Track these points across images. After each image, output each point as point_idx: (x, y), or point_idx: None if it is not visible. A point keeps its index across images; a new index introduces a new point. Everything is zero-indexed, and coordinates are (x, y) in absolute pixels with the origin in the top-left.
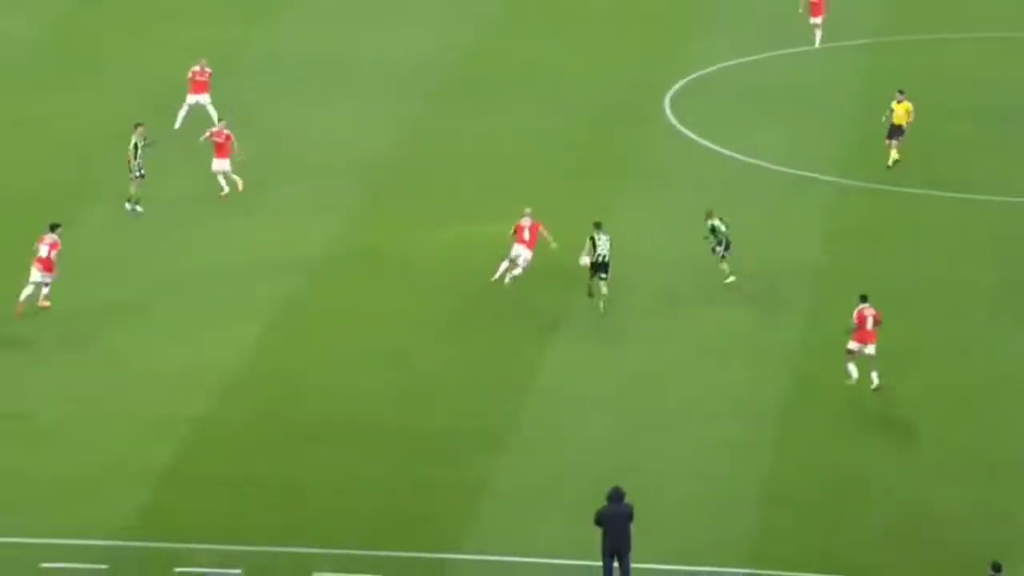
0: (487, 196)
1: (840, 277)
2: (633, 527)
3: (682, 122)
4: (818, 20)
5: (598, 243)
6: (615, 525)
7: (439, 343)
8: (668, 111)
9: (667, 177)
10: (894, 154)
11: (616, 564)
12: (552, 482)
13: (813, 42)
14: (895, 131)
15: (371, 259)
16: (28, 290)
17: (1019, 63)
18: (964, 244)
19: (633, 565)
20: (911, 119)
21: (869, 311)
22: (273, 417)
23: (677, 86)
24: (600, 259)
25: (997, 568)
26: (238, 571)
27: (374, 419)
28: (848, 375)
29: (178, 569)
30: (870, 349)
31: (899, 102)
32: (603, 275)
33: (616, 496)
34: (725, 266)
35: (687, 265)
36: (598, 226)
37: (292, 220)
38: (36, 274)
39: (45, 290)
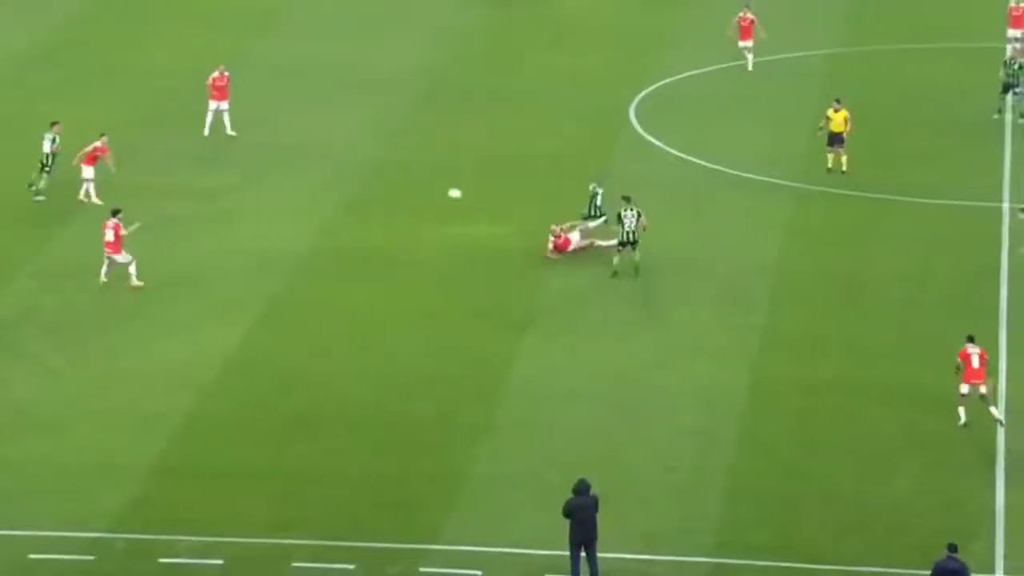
0: (466, 199)
1: (802, 278)
2: (599, 518)
3: (646, 129)
4: (748, 44)
5: (625, 220)
6: (582, 516)
7: (419, 337)
8: (633, 118)
9: (635, 182)
10: (842, 162)
11: (583, 554)
12: (526, 472)
13: (747, 66)
14: (835, 139)
15: (354, 257)
16: (103, 268)
17: (975, 73)
18: (921, 245)
19: (599, 554)
20: (849, 127)
21: (974, 349)
22: (259, 410)
23: (642, 94)
24: (628, 236)
25: (953, 549)
26: (219, 562)
27: (358, 411)
28: (959, 417)
29: (162, 560)
30: (982, 388)
31: (836, 111)
32: (632, 250)
33: (583, 489)
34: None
35: (656, 265)
36: (627, 200)
37: (279, 219)
38: (107, 258)
39: (131, 270)
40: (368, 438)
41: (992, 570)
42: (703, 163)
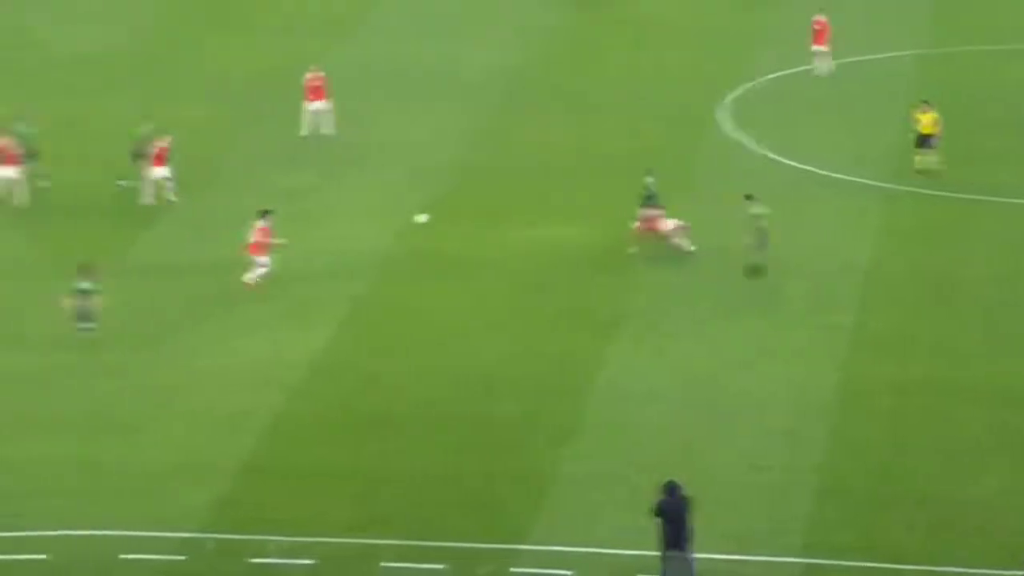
0: (550, 200)
1: (892, 278)
2: (691, 517)
3: (737, 129)
4: (821, 49)
5: (760, 219)
6: (674, 516)
7: (503, 338)
8: (724, 118)
9: (723, 182)
10: (931, 163)
11: (678, 553)
12: (612, 473)
13: (815, 70)
14: (924, 140)
15: (436, 259)
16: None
17: None
18: (1011, 245)
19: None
20: (939, 129)
21: None
22: (345, 410)
23: (733, 94)
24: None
25: None
26: (310, 562)
27: (442, 412)
28: None
29: (251, 560)
30: None
31: (924, 112)
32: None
33: (671, 489)
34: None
35: (741, 266)
36: (750, 198)
37: (361, 219)
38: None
39: (259, 271)
40: (452, 438)
41: None
42: (792, 163)
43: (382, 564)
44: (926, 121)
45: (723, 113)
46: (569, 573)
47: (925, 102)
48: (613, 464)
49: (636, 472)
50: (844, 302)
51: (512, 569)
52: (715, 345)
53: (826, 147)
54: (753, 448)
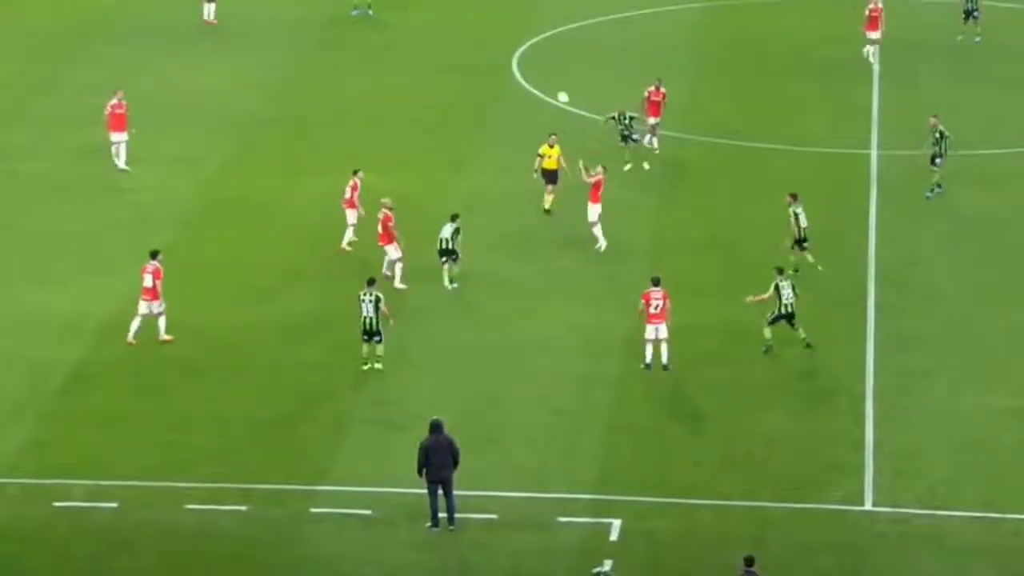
0: (349, 150)
1: (678, 224)
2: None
3: (528, 80)
4: (874, 35)
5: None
6: (437, 456)
7: (305, 288)
8: (516, 70)
9: (513, 131)
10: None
11: (441, 492)
12: (412, 415)
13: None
14: (549, 176)
15: (238, 208)
16: None
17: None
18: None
19: (480, 493)
20: (563, 164)
21: None
22: (148, 357)
23: (524, 47)
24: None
25: (750, 563)
26: (114, 505)
27: (243, 358)
28: None
29: (56, 504)
30: None
31: (551, 146)
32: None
33: (437, 427)
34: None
35: (534, 211)
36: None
37: (165, 172)
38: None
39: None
40: (253, 384)
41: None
42: (582, 112)
43: (186, 507)
44: (552, 156)
45: (517, 65)
46: (367, 512)
47: (553, 134)
48: (411, 407)
49: (434, 414)
50: (634, 248)
51: (312, 509)
52: (507, 291)
53: (615, 97)
54: (548, 389)
